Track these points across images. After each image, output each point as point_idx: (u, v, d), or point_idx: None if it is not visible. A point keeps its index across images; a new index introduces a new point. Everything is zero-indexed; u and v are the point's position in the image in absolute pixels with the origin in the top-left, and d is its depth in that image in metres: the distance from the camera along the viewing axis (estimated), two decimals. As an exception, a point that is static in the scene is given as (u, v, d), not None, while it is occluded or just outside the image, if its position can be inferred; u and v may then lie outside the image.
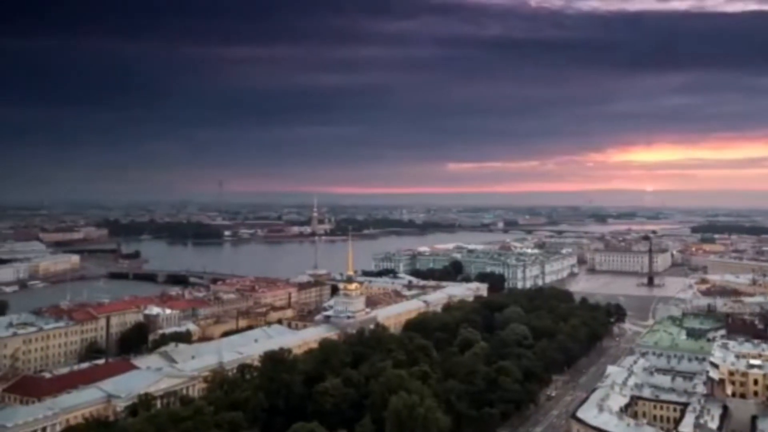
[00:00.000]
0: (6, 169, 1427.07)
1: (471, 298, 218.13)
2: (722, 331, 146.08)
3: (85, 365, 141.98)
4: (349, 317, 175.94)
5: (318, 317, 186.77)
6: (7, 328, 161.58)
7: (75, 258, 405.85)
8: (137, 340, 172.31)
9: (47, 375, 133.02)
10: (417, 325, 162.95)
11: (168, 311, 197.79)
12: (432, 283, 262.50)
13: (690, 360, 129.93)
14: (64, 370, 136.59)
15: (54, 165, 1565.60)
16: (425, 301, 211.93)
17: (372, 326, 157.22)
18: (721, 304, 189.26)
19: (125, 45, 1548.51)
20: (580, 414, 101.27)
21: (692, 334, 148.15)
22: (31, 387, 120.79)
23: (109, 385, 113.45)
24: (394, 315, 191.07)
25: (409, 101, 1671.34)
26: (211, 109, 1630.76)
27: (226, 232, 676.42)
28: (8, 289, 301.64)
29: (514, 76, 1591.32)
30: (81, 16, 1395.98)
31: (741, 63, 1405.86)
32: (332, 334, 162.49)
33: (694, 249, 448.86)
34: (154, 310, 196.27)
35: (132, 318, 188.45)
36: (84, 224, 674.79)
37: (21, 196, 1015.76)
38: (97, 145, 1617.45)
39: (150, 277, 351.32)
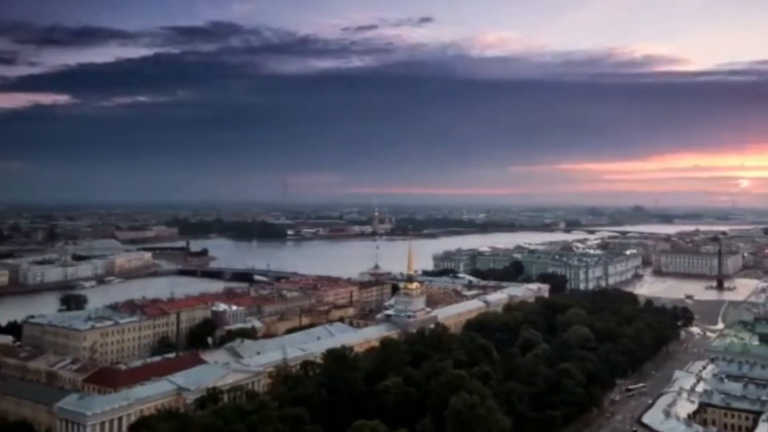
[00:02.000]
0: (86, 173, 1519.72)
1: (532, 299, 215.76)
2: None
3: (157, 358, 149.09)
4: (409, 316, 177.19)
5: (379, 316, 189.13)
6: (86, 321, 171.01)
7: (147, 255, 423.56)
8: (205, 336, 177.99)
9: (122, 367, 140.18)
10: (477, 326, 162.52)
11: (234, 308, 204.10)
12: (492, 283, 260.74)
13: (763, 367, 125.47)
14: (138, 363, 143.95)
15: (132, 168, 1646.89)
16: (486, 302, 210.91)
17: (432, 326, 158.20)
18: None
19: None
20: (645, 419, 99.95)
21: (765, 339, 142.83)
22: (108, 378, 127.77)
23: (180, 378, 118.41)
24: (454, 315, 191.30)
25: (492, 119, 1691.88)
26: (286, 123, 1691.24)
27: (289, 231, 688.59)
28: (87, 285, 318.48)
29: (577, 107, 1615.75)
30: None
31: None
32: (393, 333, 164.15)
33: (766, 251, 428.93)
34: (221, 306, 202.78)
35: (200, 314, 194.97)
36: (156, 223, 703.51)
37: (99, 195, 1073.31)
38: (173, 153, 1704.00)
39: (217, 275, 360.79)
